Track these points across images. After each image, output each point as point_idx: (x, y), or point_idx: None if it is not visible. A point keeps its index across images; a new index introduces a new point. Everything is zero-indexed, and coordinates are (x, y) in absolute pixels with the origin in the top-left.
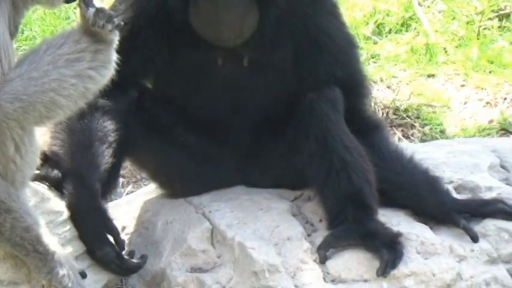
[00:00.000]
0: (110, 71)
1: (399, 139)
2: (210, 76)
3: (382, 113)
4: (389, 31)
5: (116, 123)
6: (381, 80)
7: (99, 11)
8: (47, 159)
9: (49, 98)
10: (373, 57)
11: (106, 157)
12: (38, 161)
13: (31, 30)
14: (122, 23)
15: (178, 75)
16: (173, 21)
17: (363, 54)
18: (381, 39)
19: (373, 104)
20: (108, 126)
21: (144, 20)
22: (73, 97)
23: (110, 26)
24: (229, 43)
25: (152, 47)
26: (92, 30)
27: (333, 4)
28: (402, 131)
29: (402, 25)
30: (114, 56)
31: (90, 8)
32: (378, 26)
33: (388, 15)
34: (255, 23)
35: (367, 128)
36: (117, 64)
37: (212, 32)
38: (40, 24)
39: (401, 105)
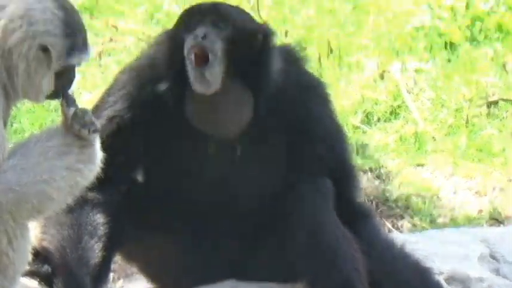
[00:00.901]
0: (96, 167)
1: (389, 230)
2: (202, 166)
3: (372, 203)
4: (378, 120)
5: (106, 217)
6: (370, 170)
7: (76, 114)
8: (37, 254)
9: (41, 189)
10: (362, 147)
11: (96, 251)
12: (30, 256)
13: (20, 122)
14: (98, 128)
15: (169, 167)
16: (165, 112)
17: (352, 144)
18: (369, 128)
19: (362, 194)
20: (97, 219)
21: (134, 113)
22: (64, 189)
23: (86, 131)
24: (226, 134)
25: (141, 140)
26: (72, 130)
27: (325, 92)
28: (392, 221)
29: (391, 113)
30: (99, 154)
31: (71, 108)
32: (366, 115)
33: (376, 103)
34: (250, 113)
35: (356, 217)
36: (107, 157)
37: (208, 124)
38: (29, 117)
39: (390, 196)
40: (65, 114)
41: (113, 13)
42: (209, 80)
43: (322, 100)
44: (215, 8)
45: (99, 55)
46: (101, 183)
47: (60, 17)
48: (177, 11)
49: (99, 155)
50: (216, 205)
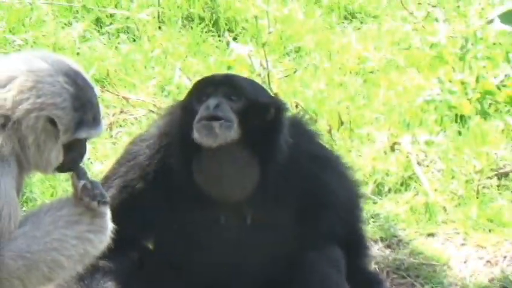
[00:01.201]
0: (106, 238)
1: None
2: (212, 234)
3: (383, 272)
4: (389, 190)
5: (116, 285)
6: (381, 240)
7: (86, 187)
8: None
9: (51, 257)
10: (372, 217)
11: None
12: None
13: (31, 191)
14: (108, 200)
15: (179, 235)
16: (175, 181)
17: (363, 214)
18: (380, 198)
19: (373, 263)
20: (108, 287)
21: (145, 182)
22: (74, 258)
23: (95, 203)
24: (233, 199)
25: (152, 208)
26: (82, 202)
27: (337, 162)
28: None
29: (401, 184)
30: (109, 225)
31: (81, 181)
32: (377, 186)
33: (387, 174)
34: (256, 178)
35: (367, 286)
36: (118, 226)
37: (215, 188)
38: (40, 186)
39: (401, 265)
40: (75, 186)
41: (124, 86)
42: (217, 133)
43: (335, 172)
44: (228, 80)
45: (110, 126)
46: (112, 251)
47: (70, 91)
48: (187, 84)
49: (109, 226)
50: (226, 271)
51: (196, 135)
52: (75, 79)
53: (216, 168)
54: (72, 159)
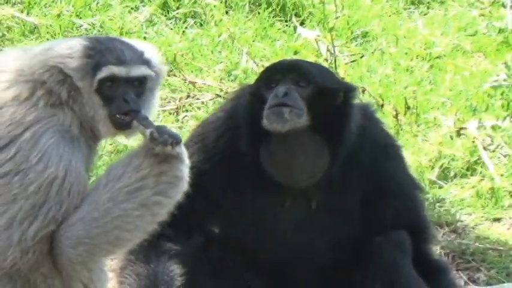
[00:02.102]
0: (180, 188)
1: (465, 283)
2: (277, 219)
3: (448, 257)
4: (455, 175)
5: (182, 268)
6: (447, 224)
7: (153, 137)
8: None
9: (114, 236)
10: (438, 202)
11: None
12: None
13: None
14: (180, 137)
15: (245, 219)
16: (241, 164)
17: (429, 199)
18: (446, 183)
19: (438, 248)
20: (174, 270)
21: (211, 165)
22: (140, 227)
23: (169, 147)
24: (301, 184)
25: (218, 191)
26: (153, 151)
27: (399, 150)
28: (468, 274)
29: (467, 169)
30: (185, 170)
31: (147, 130)
32: (443, 171)
33: (453, 159)
34: (326, 163)
35: (433, 272)
36: (183, 208)
37: (284, 173)
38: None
39: (466, 250)
40: (144, 137)
41: (190, 70)
42: (287, 119)
43: (397, 158)
44: (296, 66)
45: (177, 111)
46: (178, 235)
47: (83, 44)
48: (254, 68)
49: (184, 172)
50: (291, 254)
51: (265, 121)
52: (96, 37)
53: (284, 153)
54: (117, 107)
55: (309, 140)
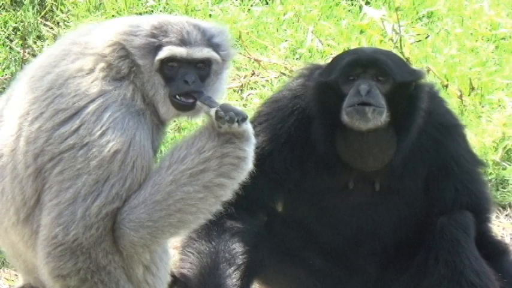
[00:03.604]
0: (243, 169)
1: None
2: (340, 200)
3: (510, 239)
4: None
5: (244, 246)
6: (510, 206)
7: (219, 115)
8: (176, 280)
9: (177, 219)
10: (501, 183)
11: (234, 279)
12: (169, 277)
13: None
14: (246, 114)
15: (308, 199)
16: (306, 145)
17: (492, 180)
18: (510, 165)
19: (501, 229)
20: (236, 248)
21: (276, 145)
22: (203, 210)
23: (235, 125)
24: (371, 168)
25: (283, 171)
26: (219, 130)
27: (461, 130)
28: None
29: None
30: (249, 149)
31: (211, 109)
32: (507, 152)
33: None
34: (393, 150)
35: (495, 253)
36: (247, 187)
37: (356, 160)
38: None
39: None
40: (209, 117)
41: (255, 48)
42: (369, 118)
43: (461, 139)
44: (376, 61)
45: (241, 88)
46: (240, 212)
47: (151, 23)
48: (319, 47)
49: (248, 152)
50: (352, 237)
51: (346, 118)
52: (167, 17)
53: (360, 145)
54: (177, 88)
55: (384, 133)
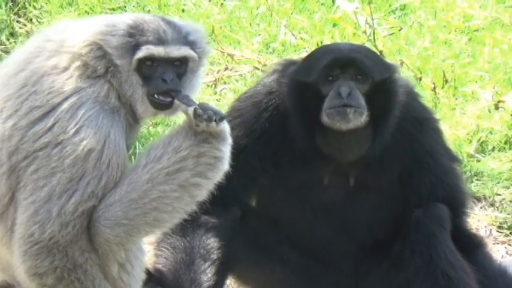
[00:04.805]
0: (219, 170)
1: (502, 256)
2: (315, 195)
3: (485, 231)
4: (493, 149)
5: (219, 241)
6: (484, 198)
7: (197, 113)
8: (151, 276)
9: (153, 217)
10: (476, 175)
11: (209, 275)
12: (144, 275)
13: (134, 147)
14: (224, 114)
15: (282, 194)
16: (280, 139)
17: (466, 172)
18: (484, 157)
19: (476, 221)
20: (211, 243)
21: (250, 140)
22: (179, 209)
23: (213, 124)
24: (344, 161)
25: (256, 166)
26: (196, 129)
27: (436, 123)
28: (505, 248)
29: (506, 143)
30: (226, 149)
31: (189, 108)
32: (481, 144)
33: (491, 133)
34: (367, 144)
35: (470, 246)
36: (220, 183)
37: (329, 153)
38: (144, 143)
39: (504, 223)
40: (187, 115)
41: (229, 42)
42: (350, 119)
43: (435, 133)
44: (354, 61)
45: (215, 83)
46: (215, 208)
47: (127, 22)
48: (292, 41)
49: (224, 152)
50: (328, 233)
51: (326, 119)
52: (143, 15)
53: (337, 142)
54: (155, 87)
55: (363, 131)
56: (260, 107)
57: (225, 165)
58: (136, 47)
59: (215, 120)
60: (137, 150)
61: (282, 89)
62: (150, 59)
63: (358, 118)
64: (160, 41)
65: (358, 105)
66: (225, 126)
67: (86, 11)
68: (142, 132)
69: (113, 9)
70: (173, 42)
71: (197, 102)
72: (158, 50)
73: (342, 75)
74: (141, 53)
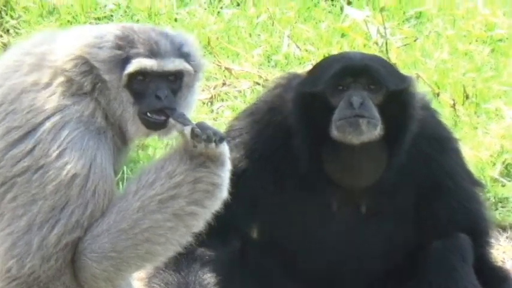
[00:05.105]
0: (218, 197)
1: None
2: (322, 222)
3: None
4: None
5: (217, 276)
6: (510, 227)
7: (195, 133)
8: None
9: (144, 250)
10: (501, 201)
11: None
12: None
13: (122, 172)
14: (224, 134)
15: (287, 222)
16: (284, 162)
17: (490, 198)
18: (509, 181)
19: (501, 253)
20: (207, 279)
21: (249, 162)
22: (173, 241)
23: (212, 144)
24: (361, 185)
25: (258, 191)
26: (193, 152)
27: (456, 144)
28: None
29: None
30: (225, 175)
31: (186, 128)
32: (506, 167)
33: None
34: (383, 166)
35: (494, 280)
36: (218, 210)
37: (344, 177)
38: (133, 167)
39: None
40: (183, 136)
41: (226, 55)
42: (363, 131)
43: (455, 153)
44: (367, 69)
45: (211, 100)
46: (212, 239)
47: (115, 33)
48: (296, 52)
49: (223, 178)
50: (336, 264)
51: (336, 132)
52: (131, 25)
53: (349, 158)
54: (148, 105)
55: (377, 147)
56: (261, 125)
57: (224, 193)
58: (126, 60)
59: (215, 141)
60: (125, 176)
61: (286, 105)
62: (142, 73)
63: (372, 130)
64: (153, 54)
65: (372, 116)
66: (225, 149)
67: (68, 21)
68: (131, 156)
69: (98, 19)
70: (167, 54)
71: (194, 121)
72: (151, 64)
73: (353, 85)
74: (132, 67)
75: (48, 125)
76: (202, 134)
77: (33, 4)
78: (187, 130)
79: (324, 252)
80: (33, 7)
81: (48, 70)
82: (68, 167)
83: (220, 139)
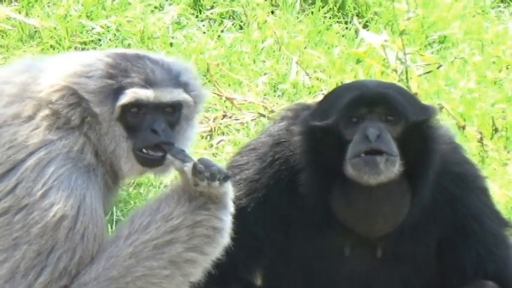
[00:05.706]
0: (219, 243)
1: None
2: (333, 269)
3: None
4: None
5: None
6: None
7: (197, 170)
8: None
9: None
10: None
11: None
12: None
13: (111, 213)
14: (229, 172)
15: (294, 269)
16: (291, 201)
17: None
18: None
19: None
20: None
21: (253, 202)
22: None
23: (216, 183)
24: (379, 233)
25: (261, 234)
26: (193, 192)
27: (482, 182)
28: None
29: None
30: (227, 219)
31: (186, 164)
32: None
33: None
34: (406, 209)
35: None
36: (217, 258)
37: (361, 223)
38: (123, 208)
39: None
40: (182, 174)
41: (228, 83)
42: (382, 170)
43: (482, 193)
44: (383, 98)
45: (211, 134)
46: (212, 286)
47: (105, 61)
48: (306, 81)
49: (226, 222)
50: None
51: (351, 171)
52: (123, 52)
53: (365, 201)
54: (143, 140)
55: (397, 187)
56: (265, 161)
57: (226, 238)
58: (119, 90)
59: (219, 179)
60: (114, 217)
61: (293, 140)
62: (137, 105)
63: (391, 168)
64: (148, 83)
65: (390, 151)
66: (229, 189)
67: (51, 46)
68: (121, 195)
69: (85, 44)
70: (163, 84)
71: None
72: (146, 94)
73: (368, 116)
74: (125, 98)
75: (31, 161)
76: (206, 171)
77: (12, 27)
78: (188, 167)
79: None
80: (12, 30)
81: (30, 102)
82: (55, 208)
83: (225, 177)
